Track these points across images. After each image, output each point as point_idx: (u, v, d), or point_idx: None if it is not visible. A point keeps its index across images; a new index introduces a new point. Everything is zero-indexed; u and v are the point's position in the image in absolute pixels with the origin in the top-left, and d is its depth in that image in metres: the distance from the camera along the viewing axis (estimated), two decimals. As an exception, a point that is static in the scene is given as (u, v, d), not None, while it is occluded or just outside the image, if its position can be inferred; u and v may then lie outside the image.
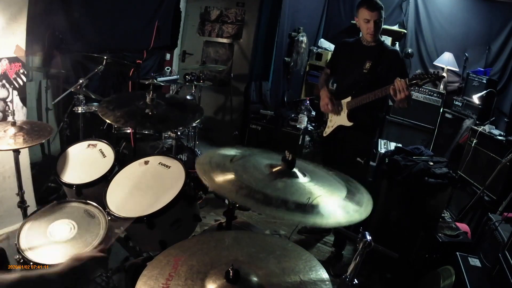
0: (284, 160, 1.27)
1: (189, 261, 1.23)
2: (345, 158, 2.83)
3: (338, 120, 2.83)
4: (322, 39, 5.91)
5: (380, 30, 2.66)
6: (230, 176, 1.22)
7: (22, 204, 2.24)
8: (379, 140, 4.34)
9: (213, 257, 1.25)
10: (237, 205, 1.76)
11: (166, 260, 1.24)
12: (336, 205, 1.25)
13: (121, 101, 2.21)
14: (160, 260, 1.25)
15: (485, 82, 4.33)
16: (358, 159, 2.79)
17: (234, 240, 1.34)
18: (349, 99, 2.74)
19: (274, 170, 1.28)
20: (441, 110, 4.75)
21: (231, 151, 1.48)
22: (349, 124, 2.75)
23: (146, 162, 2.07)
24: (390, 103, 2.66)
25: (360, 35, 2.77)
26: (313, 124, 4.81)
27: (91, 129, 3.29)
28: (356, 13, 2.69)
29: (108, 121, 2.04)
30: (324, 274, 1.20)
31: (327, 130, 2.92)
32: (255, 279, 1.14)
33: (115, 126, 3.24)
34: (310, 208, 1.17)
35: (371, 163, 3.43)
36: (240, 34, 5.39)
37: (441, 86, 4.80)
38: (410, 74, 2.73)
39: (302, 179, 1.32)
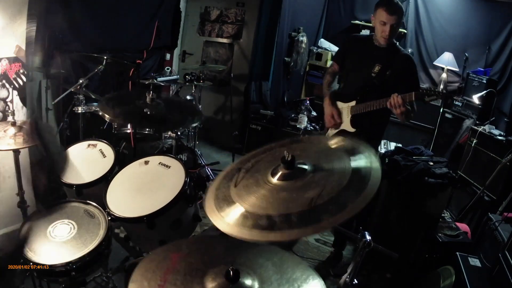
0: (283, 162, 1.14)
1: (188, 258, 1.23)
2: None
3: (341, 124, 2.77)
4: (322, 39, 5.92)
5: (396, 34, 2.48)
6: (237, 208, 1.10)
7: (22, 204, 2.24)
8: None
9: (211, 259, 1.24)
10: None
11: (165, 254, 1.24)
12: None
13: (121, 99, 2.22)
14: (158, 254, 1.24)
15: (485, 82, 4.33)
16: None
17: (232, 243, 1.32)
18: (353, 103, 2.61)
19: (275, 178, 1.15)
20: (441, 110, 4.75)
21: (234, 170, 1.29)
22: (352, 130, 2.63)
23: (146, 162, 2.07)
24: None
25: (374, 34, 2.60)
26: (313, 124, 4.82)
27: (91, 129, 3.28)
28: (374, 12, 2.49)
29: (106, 115, 2.03)
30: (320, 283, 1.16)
31: (330, 133, 2.88)
32: (253, 282, 1.14)
33: (115, 125, 3.24)
34: (314, 210, 1.01)
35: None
36: (240, 34, 5.38)
37: (441, 86, 4.80)
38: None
39: (303, 177, 1.14)
